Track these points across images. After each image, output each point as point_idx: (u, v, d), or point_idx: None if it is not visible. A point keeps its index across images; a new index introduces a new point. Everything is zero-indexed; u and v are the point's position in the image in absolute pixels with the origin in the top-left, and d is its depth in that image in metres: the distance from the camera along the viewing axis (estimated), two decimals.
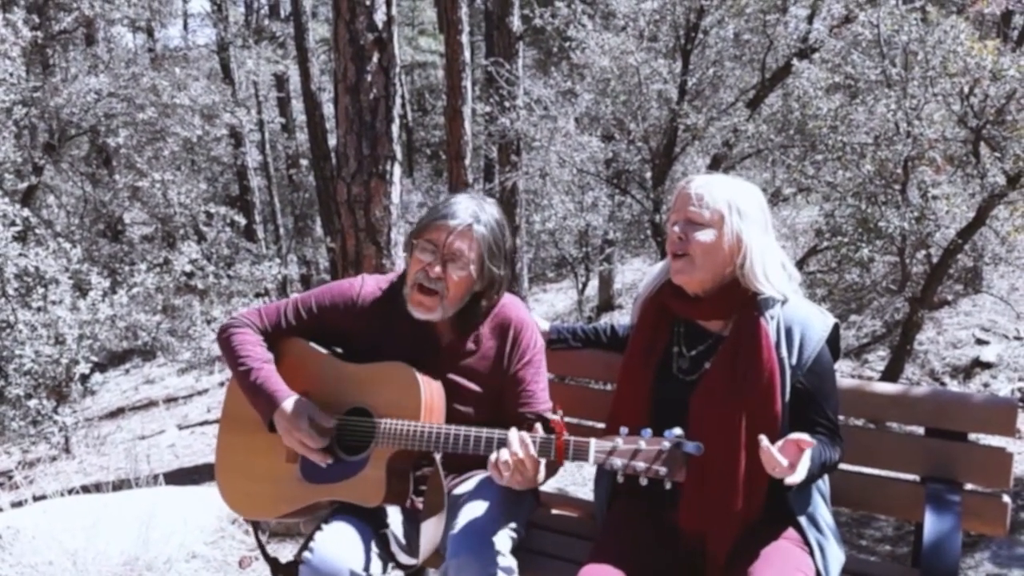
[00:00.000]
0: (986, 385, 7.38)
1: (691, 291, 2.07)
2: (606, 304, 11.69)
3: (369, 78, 5.02)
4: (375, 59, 5.03)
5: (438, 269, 2.16)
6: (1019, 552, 2.83)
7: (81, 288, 6.63)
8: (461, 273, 2.18)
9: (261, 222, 14.92)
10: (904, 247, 5.85)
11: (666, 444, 1.80)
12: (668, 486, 1.81)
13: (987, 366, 7.67)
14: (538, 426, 1.99)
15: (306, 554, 2.08)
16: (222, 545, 3.33)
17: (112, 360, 12.07)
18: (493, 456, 1.96)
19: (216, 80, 12.31)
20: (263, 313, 2.38)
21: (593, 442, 1.87)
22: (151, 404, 8.41)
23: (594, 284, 12.06)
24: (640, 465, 1.81)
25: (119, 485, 3.77)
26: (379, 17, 5.02)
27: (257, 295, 9.17)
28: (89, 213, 9.30)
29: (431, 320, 2.23)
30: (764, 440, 1.78)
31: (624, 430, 1.86)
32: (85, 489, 3.45)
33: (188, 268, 7.92)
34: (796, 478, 1.78)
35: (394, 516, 2.27)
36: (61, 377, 6.04)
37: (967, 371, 7.69)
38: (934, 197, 5.62)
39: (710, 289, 2.05)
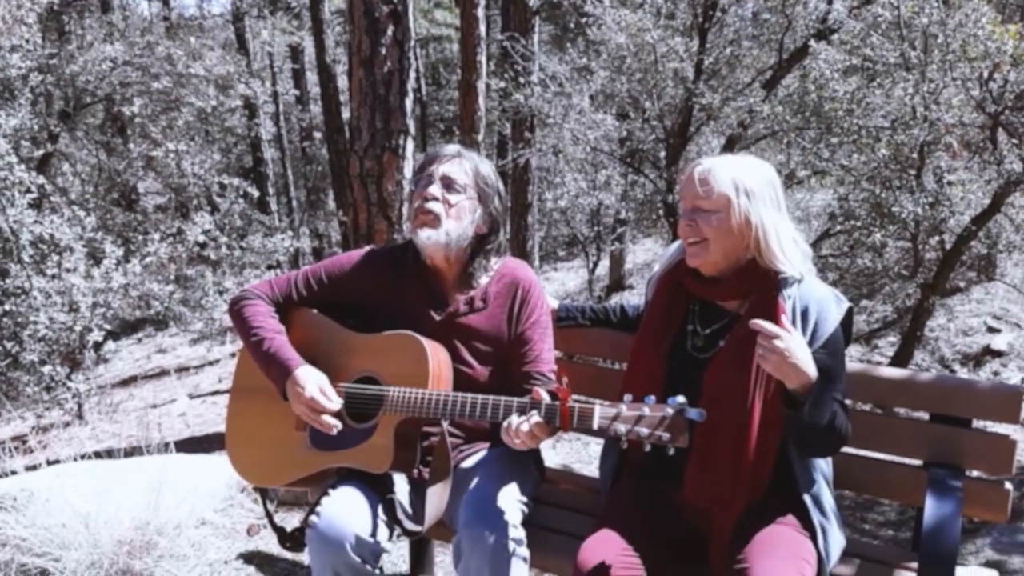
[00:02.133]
0: (996, 373, 7.36)
1: (707, 273, 2.09)
2: (617, 284, 11.68)
3: (383, 51, 5.01)
4: (390, 32, 5.02)
5: (434, 188, 2.26)
6: (1020, 539, 2.84)
7: (95, 256, 6.68)
8: (458, 195, 2.28)
9: (274, 194, 14.93)
10: (917, 233, 5.82)
11: (669, 410, 1.82)
12: (671, 451, 1.83)
13: (998, 354, 7.65)
14: (543, 392, 2.01)
15: (312, 518, 2.12)
16: (231, 513, 3.38)
17: (125, 329, 12.16)
18: (506, 423, 1.99)
19: (231, 51, 12.29)
20: (274, 284, 2.42)
21: (597, 407, 1.90)
22: (163, 373, 8.49)
23: (605, 264, 12.04)
24: (643, 431, 1.83)
25: (131, 452, 3.81)
26: None
27: (269, 267, 9.21)
28: (103, 182, 9.34)
29: (438, 250, 2.28)
30: (754, 322, 1.82)
31: (628, 397, 1.88)
32: (98, 455, 3.51)
33: (201, 239, 7.95)
34: (810, 370, 1.81)
35: (400, 484, 2.31)
36: (75, 344, 6.11)
37: (977, 359, 7.67)
38: (949, 183, 5.58)
39: (726, 270, 2.06)
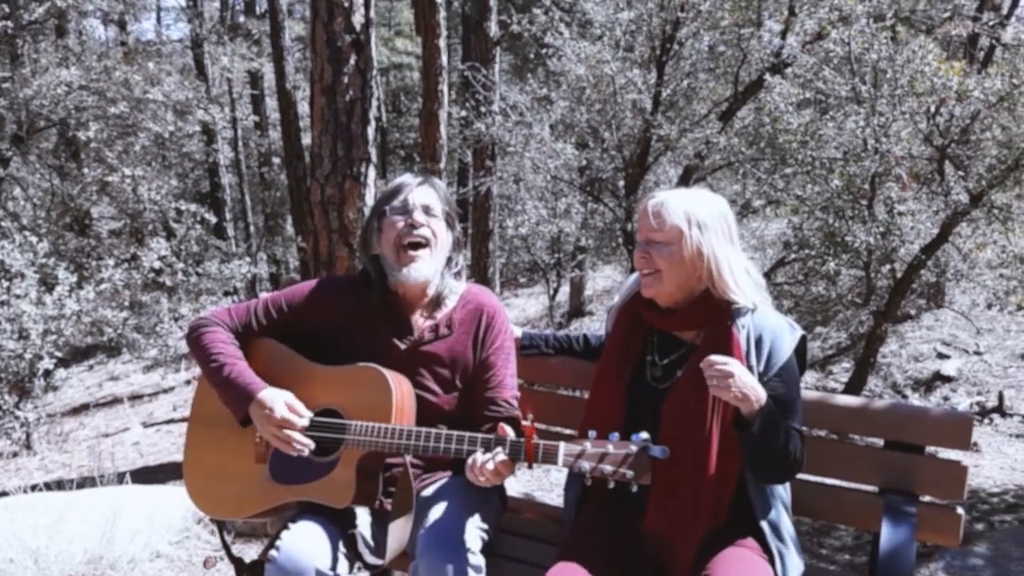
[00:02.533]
0: (946, 398, 7.53)
1: (662, 303, 2.12)
2: (577, 310, 11.75)
3: (346, 80, 5.04)
4: (352, 61, 5.05)
5: (419, 215, 2.25)
6: (971, 563, 2.91)
7: (46, 282, 6.54)
8: (438, 221, 2.29)
9: (231, 220, 14.79)
10: (870, 261, 5.96)
11: (633, 448, 1.84)
12: (634, 489, 1.85)
13: (947, 380, 7.84)
14: (508, 428, 2.02)
15: (272, 552, 2.08)
16: (187, 545, 3.31)
17: (75, 356, 11.89)
18: (469, 461, 1.99)
19: (189, 76, 12.20)
20: (233, 312, 2.38)
21: (562, 445, 1.92)
22: (115, 401, 8.31)
23: (565, 290, 12.11)
24: (607, 468, 1.85)
25: (82, 483, 3.72)
26: (357, 19, 5.04)
27: (226, 293, 9.10)
28: (56, 206, 9.16)
29: (422, 281, 2.28)
30: (708, 359, 1.86)
31: (592, 433, 1.91)
32: (48, 486, 3.41)
33: (157, 265, 7.84)
34: (759, 393, 1.87)
35: (362, 516, 2.28)
36: (24, 372, 5.95)
37: (928, 384, 7.84)
38: (899, 213, 5.73)
39: (680, 301, 2.10)
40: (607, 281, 12.88)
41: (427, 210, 2.28)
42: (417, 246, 2.25)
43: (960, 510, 2.20)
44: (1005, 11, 9.00)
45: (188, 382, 8.54)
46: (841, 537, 3.94)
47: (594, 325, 11.20)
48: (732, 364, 1.86)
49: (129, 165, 8.43)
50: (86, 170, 8.81)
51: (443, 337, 2.32)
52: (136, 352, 8.24)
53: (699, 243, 2.02)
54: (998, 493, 4.36)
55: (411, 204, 2.27)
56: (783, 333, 2.04)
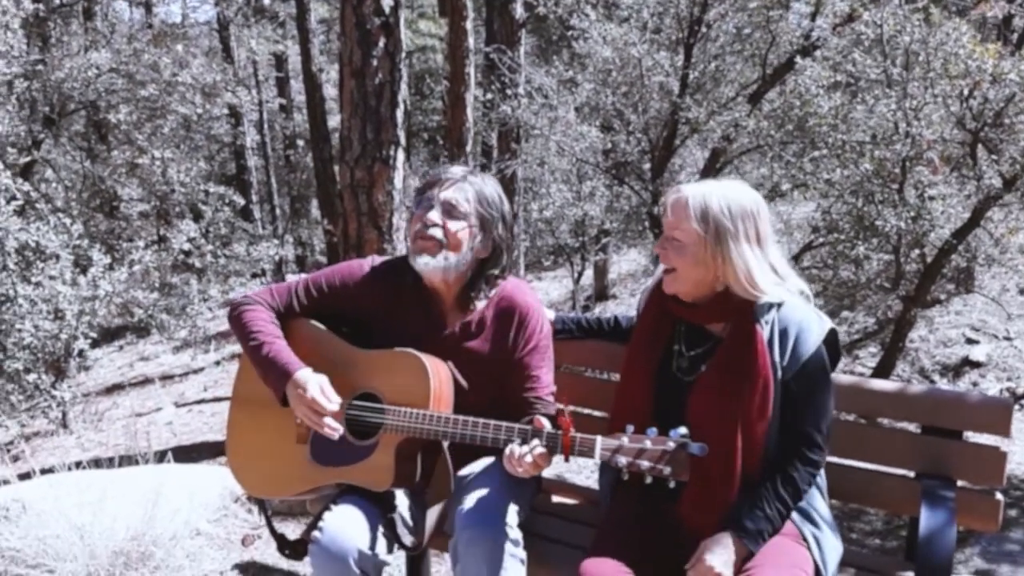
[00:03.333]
0: (975, 384, 7.48)
1: (683, 298, 2.12)
2: (601, 293, 11.75)
3: (375, 63, 5.04)
4: (381, 44, 5.05)
5: (433, 215, 2.23)
6: (1007, 548, 2.91)
7: (79, 264, 6.64)
8: (459, 223, 2.25)
9: (257, 202, 14.90)
10: (899, 246, 5.91)
11: (671, 444, 1.85)
12: (672, 485, 1.87)
13: (976, 365, 7.77)
14: (545, 421, 2.04)
15: (315, 533, 2.13)
16: (225, 523, 3.38)
17: (105, 336, 12.05)
18: (508, 450, 2.01)
19: (215, 59, 12.26)
20: (274, 292, 2.41)
21: (599, 439, 1.93)
22: (147, 381, 8.43)
23: (589, 273, 12.10)
24: (644, 464, 1.86)
25: (121, 461, 3.79)
26: (386, 2, 5.04)
27: (254, 275, 9.20)
28: (87, 188, 9.28)
29: (436, 275, 2.27)
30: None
31: (630, 428, 1.91)
32: (96, 464, 3.49)
33: (186, 247, 7.93)
34: (733, 555, 1.92)
35: (400, 498, 2.32)
36: (60, 352, 6.07)
37: (956, 370, 7.78)
38: (930, 197, 5.67)
39: (700, 297, 2.09)
40: (631, 265, 12.86)
41: (450, 210, 2.25)
42: (427, 242, 2.24)
43: (999, 495, 2.20)
44: None
45: (218, 363, 8.65)
46: (871, 522, 3.94)
47: (618, 309, 11.20)
48: (715, 566, 1.89)
49: (158, 147, 8.52)
50: (115, 152, 8.90)
51: (475, 335, 2.33)
52: (166, 333, 8.35)
53: (714, 248, 1.99)
54: None
55: (434, 201, 2.26)
56: (810, 326, 2.03)
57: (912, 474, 2.31)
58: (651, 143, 7.39)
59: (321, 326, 2.38)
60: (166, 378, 8.50)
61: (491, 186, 2.34)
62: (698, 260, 2.02)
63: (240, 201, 8.92)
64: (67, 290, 5.97)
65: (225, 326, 11.55)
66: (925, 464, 2.27)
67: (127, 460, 4.03)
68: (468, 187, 2.28)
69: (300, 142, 17.12)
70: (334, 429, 2.15)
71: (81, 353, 6.32)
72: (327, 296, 2.39)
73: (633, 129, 7.41)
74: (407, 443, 2.18)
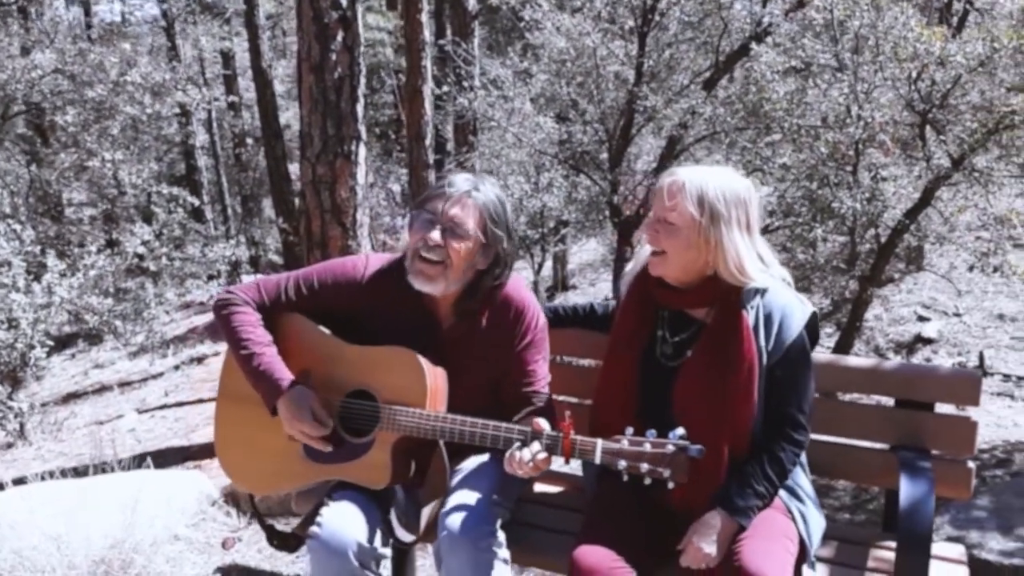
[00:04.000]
0: (928, 360, 7.69)
1: (670, 282, 2.13)
2: (561, 283, 11.81)
3: (334, 57, 5.00)
4: (339, 38, 5.01)
5: (435, 235, 2.15)
6: (974, 515, 3.02)
7: (30, 271, 6.47)
8: (462, 244, 2.17)
9: (208, 203, 14.65)
10: (855, 227, 6.04)
11: (670, 447, 1.88)
12: (671, 486, 1.89)
13: (928, 342, 7.99)
14: (544, 423, 2.05)
15: (314, 528, 2.13)
16: (204, 527, 3.34)
17: (56, 344, 11.77)
18: (509, 455, 2.02)
19: (157, 57, 12.00)
20: (262, 287, 2.36)
21: (599, 443, 1.95)
22: (104, 389, 8.25)
23: (548, 264, 12.15)
24: (644, 467, 1.89)
25: (85, 470, 3.73)
26: None
27: (210, 277, 9.05)
28: (33, 193, 9.03)
29: (434, 294, 2.24)
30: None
31: (629, 430, 1.93)
32: (63, 473, 3.42)
33: (140, 250, 7.78)
34: (725, 530, 1.97)
35: (395, 493, 2.31)
36: (15, 362, 5.91)
37: (910, 347, 7.99)
38: (883, 179, 5.81)
39: (688, 282, 2.11)
40: (590, 254, 12.95)
41: (454, 229, 2.17)
42: (425, 265, 2.20)
43: (971, 464, 2.28)
44: None
45: (177, 367, 8.49)
46: (839, 497, 4.04)
47: (579, 298, 11.27)
48: (704, 547, 1.94)
49: (108, 149, 8.32)
50: (63, 155, 8.69)
51: (471, 333, 2.31)
52: (122, 339, 8.19)
53: (708, 232, 2.01)
54: (987, 449, 4.48)
55: (438, 218, 2.18)
56: (793, 311, 2.07)
57: (887, 447, 2.38)
58: (608, 133, 7.44)
59: (312, 323, 2.35)
60: (124, 384, 8.33)
61: (495, 198, 2.25)
62: (690, 244, 2.03)
63: (195, 202, 8.76)
64: (20, 298, 5.81)
65: (182, 329, 11.35)
66: (900, 436, 2.34)
67: (94, 468, 3.95)
68: (472, 204, 2.19)
69: (250, 140, 16.87)
70: (326, 446, 2.16)
71: (36, 362, 6.16)
72: (318, 294, 2.34)
73: (589, 119, 7.45)
74: (403, 441, 2.18)
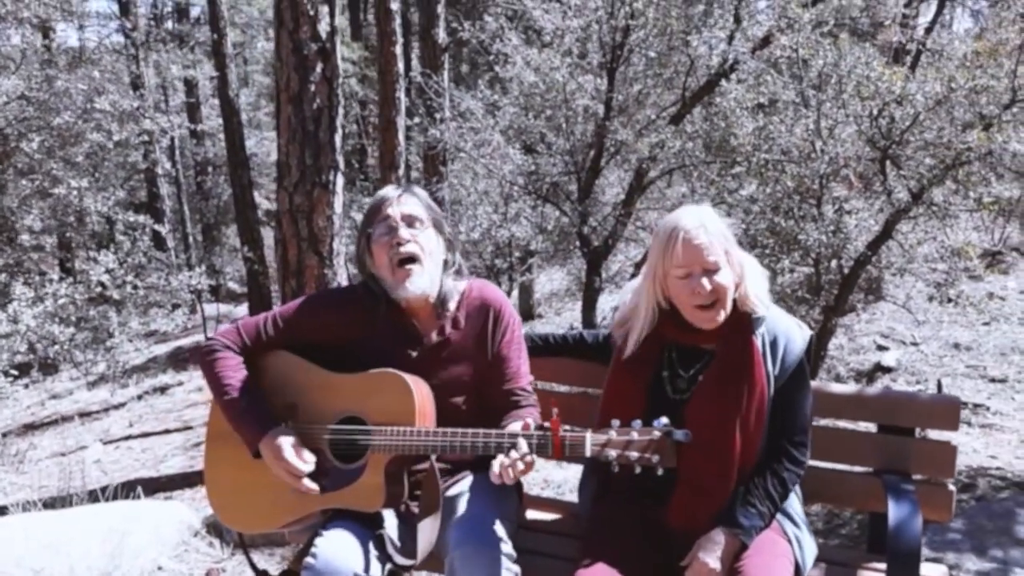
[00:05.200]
0: (887, 388, 7.89)
1: (710, 327, 2.13)
2: (527, 313, 11.87)
3: (313, 88, 5.02)
4: (318, 69, 5.04)
5: (403, 232, 2.27)
6: (950, 537, 3.12)
7: None
8: (425, 231, 2.30)
9: (170, 230, 14.48)
10: (819, 258, 6.22)
11: (656, 433, 1.92)
12: (660, 472, 1.93)
13: (887, 370, 8.20)
14: (530, 421, 2.10)
15: (309, 560, 2.13)
16: (187, 558, 3.29)
17: (4, 374, 11.47)
18: (498, 462, 2.03)
19: (120, 84, 11.90)
20: (242, 330, 2.40)
21: (588, 435, 1.99)
22: (63, 419, 8.06)
23: (515, 294, 12.21)
24: (633, 455, 1.93)
25: (51, 503, 3.65)
26: (323, 28, 5.03)
27: (175, 306, 8.92)
28: None
29: (419, 294, 2.29)
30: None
31: (616, 422, 1.97)
32: (47, 505, 3.35)
33: (104, 278, 7.67)
34: (727, 546, 2.01)
35: (388, 518, 2.33)
36: None
37: (870, 375, 8.19)
38: (846, 212, 6.00)
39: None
40: (555, 283, 13.04)
41: (411, 222, 2.30)
42: (408, 261, 2.27)
43: (951, 486, 2.37)
44: (930, 18, 9.51)
45: (140, 397, 8.34)
46: (812, 521, 4.12)
47: (545, 327, 11.34)
48: (710, 563, 1.98)
49: (73, 176, 8.21)
50: (23, 181, 8.55)
51: (452, 338, 2.36)
52: (83, 368, 8.03)
53: (734, 256, 2.09)
54: None
55: (394, 220, 2.29)
56: (794, 335, 2.15)
57: (871, 471, 2.46)
58: (576, 165, 7.56)
59: (295, 356, 2.37)
60: (84, 415, 8.16)
61: (424, 191, 2.41)
62: (731, 279, 2.09)
63: (162, 230, 8.67)
64: None
65: (142, 359, 11.14)
66: (883, 461, 2.42)
67: (60, 501, 3.88)
68: (413, 197, 2.34)
69: (211, 168, 16.75)
70: (310, 489, 2.17)
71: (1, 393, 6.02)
72: (297, 328, 2.38)
73: (558, 151, 7.57)
74: (395, 461, 2.20)
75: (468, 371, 2.37)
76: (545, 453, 2.04)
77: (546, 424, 2.04)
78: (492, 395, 2.37)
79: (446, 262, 2.38)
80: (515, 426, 2.19)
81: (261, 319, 2.42)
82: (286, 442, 2.19)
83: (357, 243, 2.40)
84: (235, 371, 2.31)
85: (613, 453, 1.95)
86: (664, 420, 1.94)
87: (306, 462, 2.18)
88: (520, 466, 2.02)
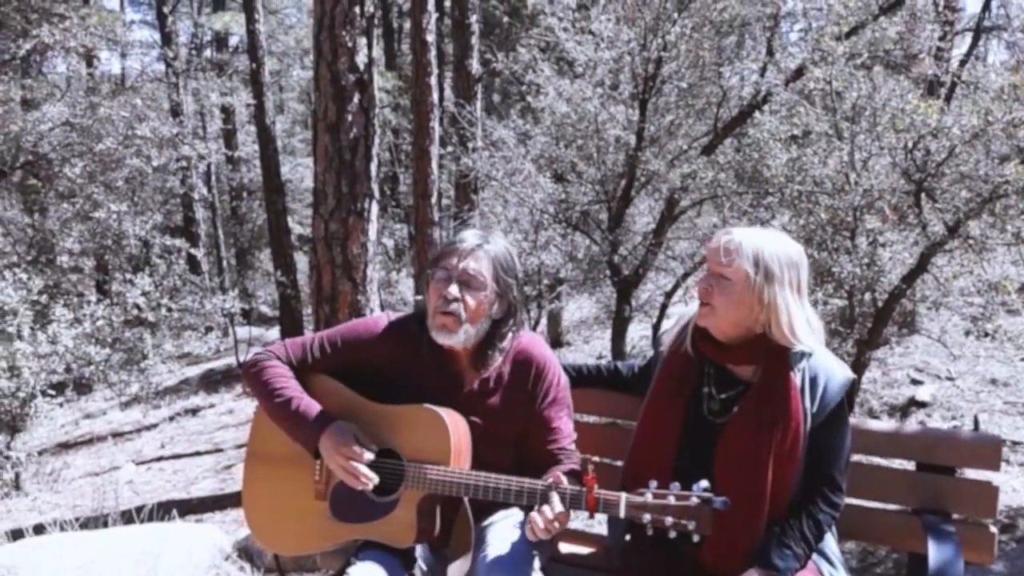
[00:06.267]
0: (922, 423, 7.75)
1: (716, 336, 2.18)
2: (555, 341, 11.85)
3: (350, 118, 5.13)
4: (356, 99, 5.14)
5: (453, 289, 2.24)
6: None
7: (38, 319, 6.46)
8: (477, 294, 2.26)
9: (204, 254, 14.71)
10: (853, 291, 6.16)
11: (694, 500, 1.90)
12: (696, 539, 1.92)
13: (922, 405, 8.06)
14: (564, 478, 2.08)
15: None
16: None
17: (42, 393, 11.65)
18: (531, 518, 2.04)
19: (160, 111, 12.17)
20: (289, 348, 2.42)
21: (623, 496, 1.97)
22: (96, 439, 8.17)
23: (544, 321, 12.21)
24: (669, 520, 1.91)
25: (86, 523, 3.70)
26: (360, 59, 5.15)
27: (208, 329, 9.04)
28: (35, 243, 9.07)
29: (455, 346, 2.30)
30: None
31: (653, 483, 1.95)
32: (84, 525, 3.39)
33: (140, 300, 7.80)
34: None
35: (419, 551, 2.33)
36: (16, 411, 5.87)
37: (904, 410, 8.06)
38: (881, 244, 5.95)
39: (734, 338, 2.15)
40: (582, 312, 13.02)
41: (468, 282, 2.26)
42: (447, 318, 2.26)
43: (993, 528, 2.33)
44: (964, 50, 9.46)
45: (171, 418, 8.44)
46: (847, 559, 4.05)
47: (573, 355, 11.31)
48: None
49: (114, 200, 8.39)
50: (64, 205, 8.75)
51: (493, 391, 2.35)
52: (117, 389, 8.15)
53: (762, 290, 2.06)
54: None
55: (453, 273, 2.27)
56: (835, 375, 2.13)
57: (910, 510, 2.42)
58: (607, 194, 7.59)
59: (336, 381, 2.39)
60: (117, 435, 8.26)
61: (504, 249, 2.34)
62: (742, 300, 2.08)
63: (197, 253, 8.82)
64: (25, 347, 5.80)
65: (174, 380, 11.28)
66: (923, 500, 2.38)
67: (96, 521, 3.92)
68: (484, 256, 2.28)
69: (245, 194, 17.00)
70: (369, 479, 2.16)
71: (37, 413, 6.12)
72: (342, 352, 2.40)
73: (588, 180, 7.60)
74: (428, 499, 2.20)
75: (507, 424, 2.35)
76: (578, 509, 2.03)
77: (580, 485, 2.03)
78: (532, 452, 2.36)
79: (499, 322, 2.34)
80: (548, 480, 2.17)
81: (308, 340, 2.44)
82: (347, 432, 2.20)
83: (426, 270, 2.39)
84: (287, 378, 2.33)
85: (648, 517, 1.93)
86: (704, 483, 1.92)
87: (368, 451, 2.18)
88: (556, 525, 2.02)
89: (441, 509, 2.27)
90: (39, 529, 3.44)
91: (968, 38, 9.99)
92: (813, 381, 2.11)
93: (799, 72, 6.54)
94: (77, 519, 3.81)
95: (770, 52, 6.76)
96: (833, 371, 2.13)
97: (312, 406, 2.26)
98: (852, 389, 2.18)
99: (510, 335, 2.39)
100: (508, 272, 2.32)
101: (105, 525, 3.90)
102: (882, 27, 6.27)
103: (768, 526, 2.07)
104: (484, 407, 2.34)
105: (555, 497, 2.03)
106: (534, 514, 2.03)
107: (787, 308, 2.08)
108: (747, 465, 2.06)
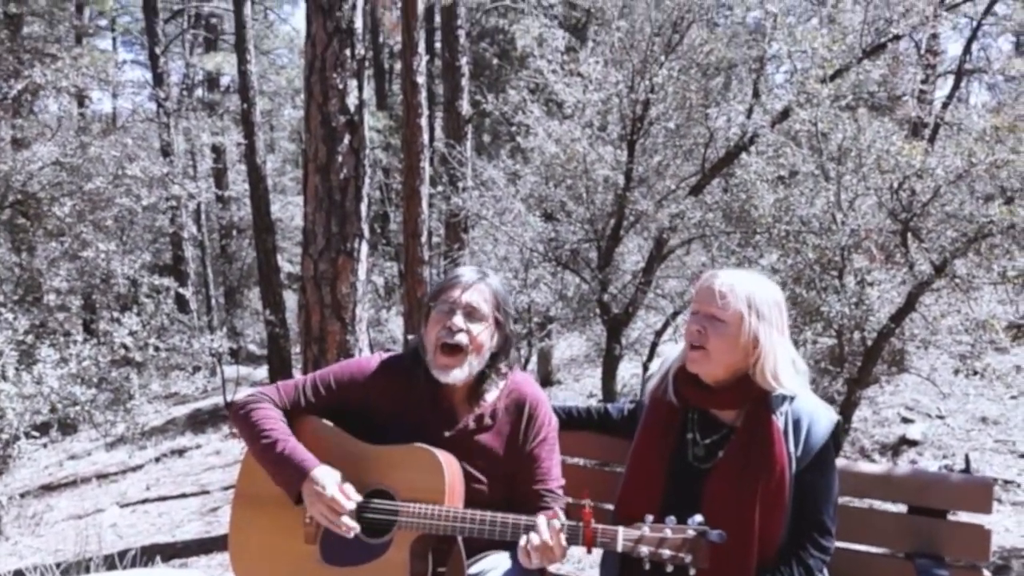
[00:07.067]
0: (913, 462, 7.73)
1: (705, 380, 2.18)
2: (545, 379, 11.81)
3: (340, 159, 5.15)
4: (346, 141, 5.17)
5: (458, 320, 2.27)
6: None
7: (22, 360, 6.40)
8: (481, 326, 2.30)
9: (193, 293, 14.66)
10: (842, 330, 6.18)
11: (691, 533, 1.89)
12: (692, 573, 1.90)
13: (913, 443, 8.05)
14: (560, 512, 2.07)
15: None
16: None
17: (26, 435, 11.49)
18: (523, 541, 2.03)
19: (150, 150, 12.21)
20: (281, 390, 2.41)
21: (621, 531, 1.96)
22: (81, 481, 8.06)
23: (533, 360, 12.18)
24: (666, 553, 1.90)
25: (68, 568, 3.62)
26: (351, 101, 5.18)
27: (196, 369, 8.97)
28: (21, 282, 9.02)
29: (456, 383, 2.29)
30: None
31: (649, 518, 1.95)
32: (62, 570, 3.32)
33: (127, 340, 7.74)
34: None
35: None
36: None
37: (895, 448, 8.04)
38: (868, 284, 5.99)
39: (722, 381, 2.15)
40: (573, 350, 13.01)
41: (471, 314, 2.30)
42: (453, 349, 2.28)
43: (987, 572, 2.31)
44: (947, 92, 9.62)
45: (158, 459, 8.33)
46: None
47: (564, 393, 11.27)
48: None
49: (103, 239, 8.37)
50: (52, 244, 8.73)
51: (486, 428, 2.35)
52: (102, 429, 8.05)
53: (756, 332, 2.07)
54: None
55: (456, 305, 2.30)
56: (819, 418, 2.12)
57: (902, 554, 2.40)
58: (597, 233, 7.63)
59: (329, 423, 2.37)
60: (102, 476, 8.15)
61: (500, 285, 2.39)
62: (736, 344, 2.08)
63: (185, 292, 8.78)
64: (9, 388, 5.74)
65: (160, 421, 11.16)
66: (915, 544, 2.36)
67: (77, 567, 3.85)
68: (485, 288, 2.33)
69: (235, 232, 17.01)
70: (350, 528, 2.14)
71: (20, 454, 6.04)
72: (335, 393, 2.39)
73: (577, 219, 7.65)
74: (421, 539, 2.18)
75: (498, 463, 2.34)
76: (576, 543, 2.02)
77: (577, 520, 2.02)
78: (520, 492, 2.34)
79: (495, 356, 2.36)
80: (542, 517, 2.15)
81: (300, 382, 2.43)
82: (331, 478, 2.17)
83: (425, 307, 2.40)
84: (275, 420, 2.31)
85: (646, 550, 1.92)
86: (699, 518, 1.92)
87: (350, 499, 2.16)
88: (551, 545, 2.00)
89: (434, 550, 2.25)
90: (18, 575, 3.36)
91: (950, 80, 10.16)
92: (796, 424, 2.10)
93: (785, 114, 6.63)
94: (58, 565, 3.73)
95: (756, 94, 6.85)
96: (817, 414, 2.13)
97: (297, 450, 2.24)
98: (839, 431, 2.16)
99: (505, 369, 2.40)
100: (505, 304, 2.38)
101: (87, 571, 3.82)
102: (866, 70, 6.37)
103: (759, 573, 2.05)
104: (477, 444, 2.34)
105: (553, 524, 2.01)
106: (532, 534, 2.02)
107: (774, 350, 2.09)
108: (734, 510, 2.05)
